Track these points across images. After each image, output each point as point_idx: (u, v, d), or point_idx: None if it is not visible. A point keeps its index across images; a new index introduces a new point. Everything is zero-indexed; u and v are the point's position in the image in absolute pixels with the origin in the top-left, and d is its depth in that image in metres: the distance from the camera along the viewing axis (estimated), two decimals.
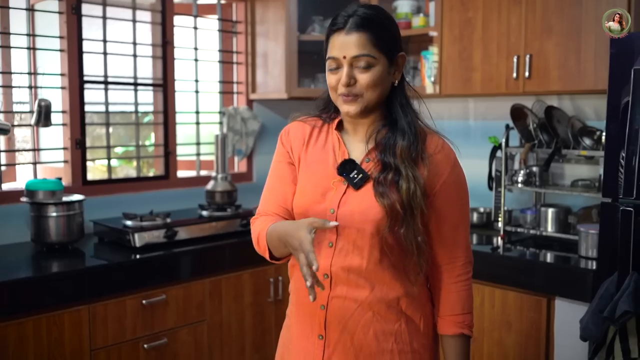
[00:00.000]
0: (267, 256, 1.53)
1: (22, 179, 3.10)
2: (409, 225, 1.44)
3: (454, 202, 1.54)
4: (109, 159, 3.33)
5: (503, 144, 3.03)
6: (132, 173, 3.55)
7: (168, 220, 2.97)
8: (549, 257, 2.79)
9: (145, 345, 2.65)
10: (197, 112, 3.68)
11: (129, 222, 2.88)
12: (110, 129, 3.35)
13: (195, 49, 3.63)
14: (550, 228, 2.98)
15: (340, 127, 1.60)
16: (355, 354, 1.51)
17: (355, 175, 1.48)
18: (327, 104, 1.60)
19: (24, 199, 2.74)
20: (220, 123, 3.73)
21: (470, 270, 1.57)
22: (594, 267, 2.47)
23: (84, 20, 3.09)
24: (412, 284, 1.52)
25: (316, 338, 1.53)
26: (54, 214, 2.70)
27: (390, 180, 1.45)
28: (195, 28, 3.63)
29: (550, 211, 2.98)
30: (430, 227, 1.52)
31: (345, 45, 1.44)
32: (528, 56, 2.84)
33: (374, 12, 1.47)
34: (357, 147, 1.55)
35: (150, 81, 3.47)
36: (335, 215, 1.47)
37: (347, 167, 1.50)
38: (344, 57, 1.45)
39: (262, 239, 1.51)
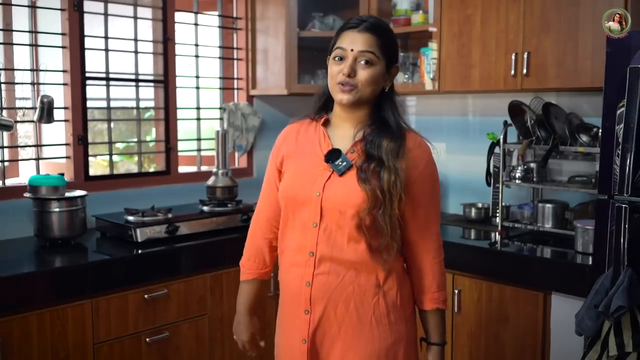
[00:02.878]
0: None
1: (24, 174, 3.13)
2: (386, 209, 1.61)
3: (427, 193, 1.71)
4: (110, 154, 3.35)
5: (501, 140, 3.05)
6: (133, 168, 3.58)
7: (169, 215, 3.00)
8: (546, 253, 2.82)
9: (148, 339, 2.68)
10: (198, 108, 3.71)
11: (130, 218, 2.91)
12: (112, 125, 3.37)
13: (196, 45, 3.65)
14: (547, 224, 3.01)
15: (326, 124, 1.78)
16: (338, 326, 1.69)
17: (340, 163, 1.67)
18: (322, 96, 1.79)
19: (27, 194, 2.76)
20: (221, 119, 3.75)
21: (442, 253, 1.77)
22: (590, 263, 2.50)
23: (86, 17, 3.11)
24: (387, 260, 1.68)
25: (302, 313, 1.70)
26: (57, 210, 2.73)
27: (373, 170, 1.62)
28: (196, 24, 3.65)
29: (548, 207, 3.01)
30: (406, 215, 1.69)
31: (355, 40, 1.64)
32: (526, 53, 2.87)
33: (383, 23, 1.71)
34: (342, 141, 1.72)
35: (151, 77, 3.50)
36: (321, 197, 1.66)
37: (333, 156, 1.68)
38: (352, 50, 1.64)
39: (243, 277, 1.95)
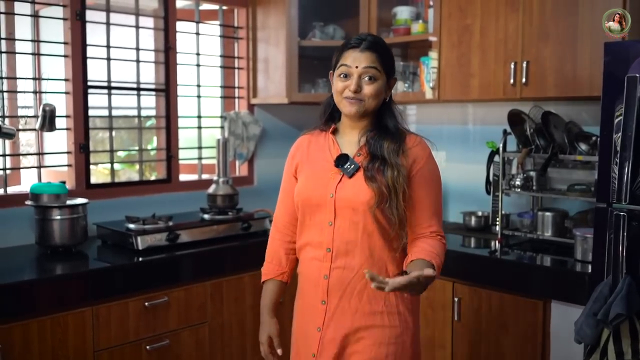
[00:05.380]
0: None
1: (26, 182, 3.14)
2: (392, 203, 1.77)
3: (428, 185, 1.85)
4: (112, 162, 3.37)
5: (500, 149, 3.07)
6: (134, 176, 3.59)
7: (170, 223, 3.01)
8: (546, 261, 2.82)
9: (148, 347, 2.69)
10: (199, 117, 3.73)
11: (131, 225, 2.92)
12: (113, 133, 3.39)
13: (197, 54, 3.68)
14: (547, 232, 3.01)
15: (335, 132, 1.95)
16: (352, 315, 1.83)
17: (349, 166, 1.84)
18: (327, 107, 1.97)
19: (28, 202, 2.78)
20: (222, 127, 3.77)
21: (443, 238, 1.85)
22: (589, 271, 2.51)
23: (88, 26, 3.14)
24: (396, 251, 1.83)
25: (319, 303, 1.86)
26: (58, 217, 2.74)
27: (377, 168, 1.80)
28: (197, 34, 3.68)
29: (547, 215, 3.02)
30: (410, 206, 1.82)
31: (358, 59, 1.82)
32: (525, 62, 2.88)
33: (381, 40, 1.88)
34: (349, 146, 1.90)
35: (152, 86, 3.52)
36: (334, 198, 1.82)
37: (342, 160, 1.85)
38: (356, 67, 1.81)
39: (262, 278, 2.03)
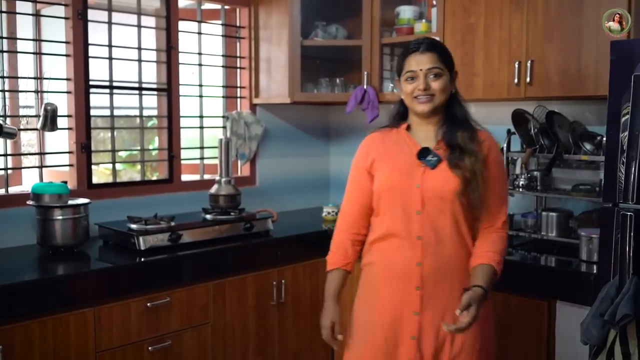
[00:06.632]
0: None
1: (28, 182, 3.13)
2: (474, 187, 1.93)
3: (498, 176, 2.04)
4: (113, 162, 3.35)
5: (505, 149, 3.05)
6: (136, 176, 3.57)
7: (172, 223, 2.99)
8: (550, 261, 2.81)
9: (150, 348, 2.67)
10: (201, 117, 3.71)
11: (133, 226, 2.90)
12: (115, 133, 3.37)
13: (200, 54, 3.66)
14: (551, 232, 2.99)
15: (407, 129, 2.09)
16: (446, 298, 1.95)
17: (431, 158, 1.98)
18: (397, 110, 2.12)
19: (30, 202, 2.76)
20: (224, 127, 3.76)
21: (507, 228, 2.05)
22: (595, 271, 2.49)
23: (90, 25, 3.12)
24: (477, 230, 2.01)
25: (413, 289, 1.96)
26: (60, 217, 2.73)
27: (457, 158, 1.95)
28: (200, 33, 3.67)
29: (552, 215, 3.00)
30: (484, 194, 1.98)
31: (421, 61, 1.98)
32: (529, 62, 2.87)
33: (437, 41, 2.06)
34: (425, 141, 2.03)
35: (154, 85, 3.50)
36: (421, 188, 1.96)
37: (423, 153, 1.99)
38: (421, 70, 1.97)
39: (328, 267, 2.15)
